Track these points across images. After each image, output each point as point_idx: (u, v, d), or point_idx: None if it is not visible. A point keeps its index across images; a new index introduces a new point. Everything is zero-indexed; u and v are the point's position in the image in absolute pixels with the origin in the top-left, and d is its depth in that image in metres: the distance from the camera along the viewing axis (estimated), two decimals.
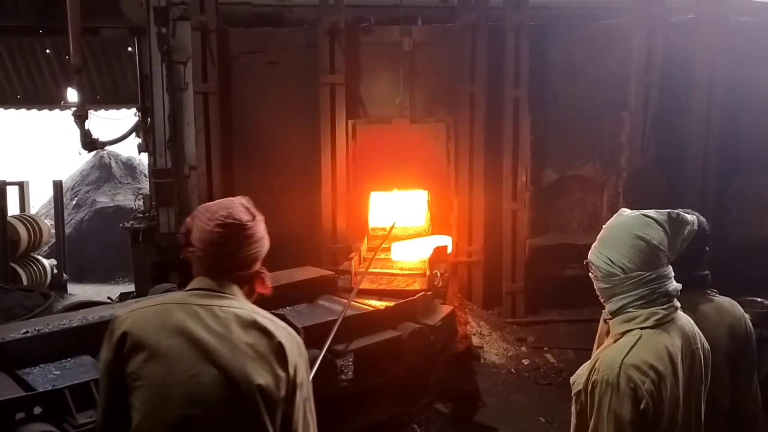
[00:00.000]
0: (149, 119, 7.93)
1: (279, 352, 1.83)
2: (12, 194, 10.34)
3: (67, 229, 12.50)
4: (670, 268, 2.02)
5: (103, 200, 14.62)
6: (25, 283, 8.98)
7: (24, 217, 10.12)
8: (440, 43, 7.31)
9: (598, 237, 2.12)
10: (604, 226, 2.12)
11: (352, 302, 3.88)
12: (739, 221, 7.47)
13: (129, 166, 15.81)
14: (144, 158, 12.67)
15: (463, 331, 6.46)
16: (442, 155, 7.27)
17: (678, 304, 2.03)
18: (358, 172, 7.26)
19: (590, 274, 2.14)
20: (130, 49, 8.85)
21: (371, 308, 4.01)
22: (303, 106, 7.30)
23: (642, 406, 1.85)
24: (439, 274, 4.56)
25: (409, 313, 4.07)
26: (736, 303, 2.49)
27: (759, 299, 4.49)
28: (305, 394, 1.92)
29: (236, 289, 1.93)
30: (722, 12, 7.25)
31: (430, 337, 4.00)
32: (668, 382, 1.91)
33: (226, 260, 1.91)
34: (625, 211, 2.10)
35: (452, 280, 6.39)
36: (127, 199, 14.29)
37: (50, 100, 10.60)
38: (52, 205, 11.20)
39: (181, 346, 1.78)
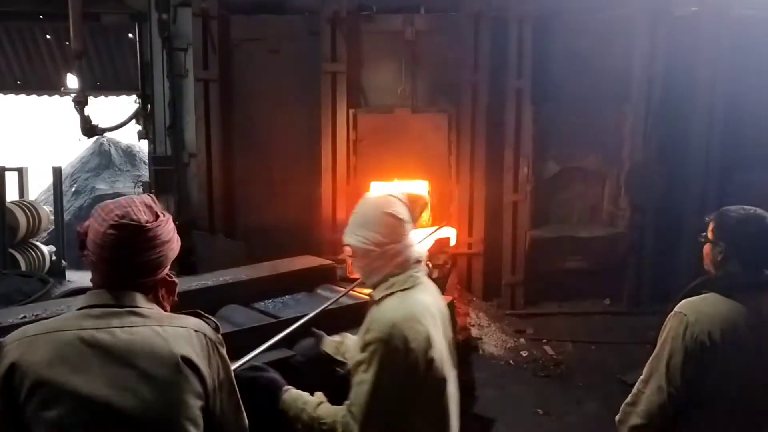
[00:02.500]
0: (149, 106, 7.88)
1: (188, 364, 1.67)
2: (11, 180, 10.29)
3: (67, 216, 12.47)
4: (412, 236, 2.26)
5: (103, 187, 14.60)
6: (23, 269, 8.96)
7: (23, 203, 10.08)
8: (443, 33, 7.27)
9: (350, 221, 2.29)
10: (353, 211, 2.31)
11: (350, 292, 3.86)
12: None
13: (129, 154, 15.78)
14: (144, 145, 12.61)
15: (462, 322, 6.45)
16: (443, 145, 7.23)
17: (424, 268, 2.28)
18: (359, 162, 7.22)
19: (348, 257, 2.41)
20: (131, 35, 8.79)
21: (368, 298, 3.99)
22: (304, 94, 7.26)
23: (411, 359, 2.03)
24: (431, 265, 4.53)
25: None
26: None
27: None
28: (225, 392, 1.79)
29: (139, 299, 1.71)
30: (726, 5, 7.20)
31: None
32: (432, 332, 2.11)
33: (123, 267, 1.69)
34: (371, 195, 2.38)
35: (452, 271, 6.37)
36: (126, 186, 14.27)
37: (50, 85, 10.52)
38: (52, 191, 11.17)
39: (76, 396, 1.57)
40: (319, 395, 2.22)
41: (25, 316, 3.21)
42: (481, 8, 7.08)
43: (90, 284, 1.78)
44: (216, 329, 1.85)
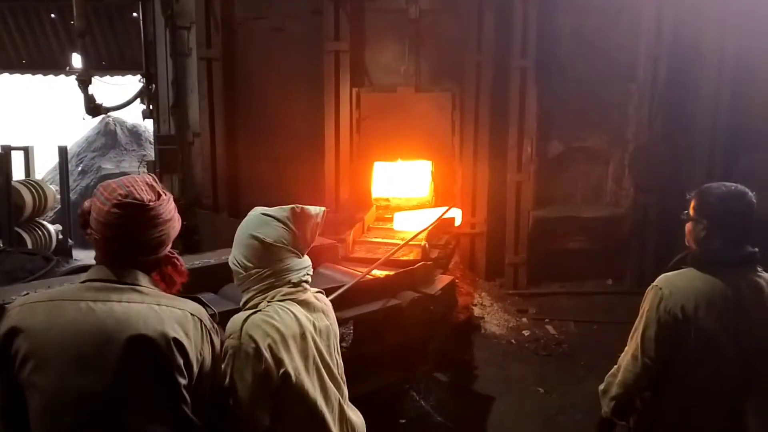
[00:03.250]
0: (153, 85, 7.89)
1: (177, 346, 1.69)
2: (17, 159, 10.35)
3: (73, 195, 12.53)
4: (298, 260, 2.15)
5: (109, 166, 14.64)
6: (30, 247, 9.03)
7: (29, 182, 10.13)
8: (447, 11, 7.20)
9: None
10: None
11: (351, 270, 3.89)
12: None
13: (134, 133, 15.79)
14: (149, 125, 12.63)
15: (464, 302, 6.48)
16: (447, 125, 7.21)
17: (307, 287, 2.17)
18: (362, 141, 7.22)
19: None
20: (134, 14, 8.76)
21: (371, 276, 4.01)
22: (307, 73, 7.24)
23: (263, 364, 1.94)
24: (427, 245, 4.55)
25: (409, 282, 4.07)
26: None
27: None
28: (210, 379, 1.83)
29: (141, 277, 1.76)
30: None
31: (430, 306, 4.00)
32: (289, 341, 2.01)
33: (126, 245, 1.73)
34: (255, 210, 2.21)
35: (455, 251, 6.38)
36: (132, 165, 14.32)
37: (55, 65, 10.53)
38: (58, 170, 11.22)
39: (69, 359, 1.63)
40: None
41: (27, 293, 3.25)
42: None
43: (94, 263, 1.81)
44: (213, 317, 1.90)
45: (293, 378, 1.99)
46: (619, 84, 7.29)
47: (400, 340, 3.87)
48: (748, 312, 2.40)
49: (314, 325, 2.13)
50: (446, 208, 5.27)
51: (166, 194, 1.82)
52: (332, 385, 2.15)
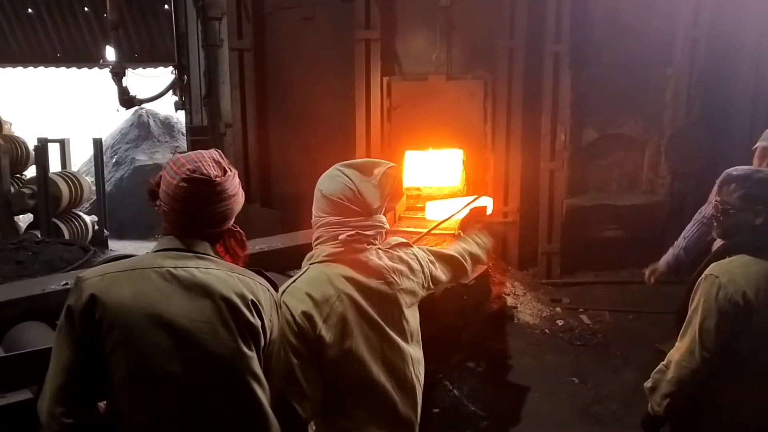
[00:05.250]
0: (185, 77, 7.95)
1: (255, 308, 1.80)
2: (53, 151, 10.51)
3: (108, 187, 12.72)
4: (358, 218, 2.15)
5: (142, 158, 14.81)
6: (67, 238, 9.18)
7: (65, 173, 10.29)
8: None
9: None
10: None
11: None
12: None
13: (167, 125, 15.94)
14: (181, 116, 12.75)
15: (497, 292, 6.43)
16: (478, 113, 7.13)
17: (359, 247, 2.15)
18: (393, 130, 7.18)
19: None
20: (166, 6, 8.84)
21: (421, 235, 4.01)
22: (338, 62, 7.22)
23: (296, 329, 2.01)
24: (461, 234, 4.51)
25: None
26: None
27: None
28: (276, 347, 1.92)
29: (208, 247, 1.85)
30: None
31: (464, 295, 3.97)
32: (333, 302, 2.06)
33: (194, 217, 1.81)
34: (339, 164, 2.27)
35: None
36: (165, 157, 14.44)
37: (89, 58, 10.69)
38: (93, 162, 11.38)
39: (159, 331, 1.70)
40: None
41: (66, 283, 3.29)
42: None
43: (130, 253, 1.86)
44: (275, 289, 2.00)
45: (328, 340, 2.03)
46: (656, 68, 7.12)
47: (433, 329, 3.84)
48: None
49: (360, 286, 2.13)
50: (475, 196, 5.22)
51: (231, 170, 1.89)
52: (386, 347, 2.15)
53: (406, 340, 2.22)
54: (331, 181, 2.20)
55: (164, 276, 1.74)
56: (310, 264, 2.16)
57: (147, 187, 1.88)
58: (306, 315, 2.02)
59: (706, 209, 3.80)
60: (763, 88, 7.03)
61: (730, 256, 2.48)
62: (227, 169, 1.87)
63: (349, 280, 2.12)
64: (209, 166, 1.81)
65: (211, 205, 1.81)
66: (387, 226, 2.28)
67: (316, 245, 2.20)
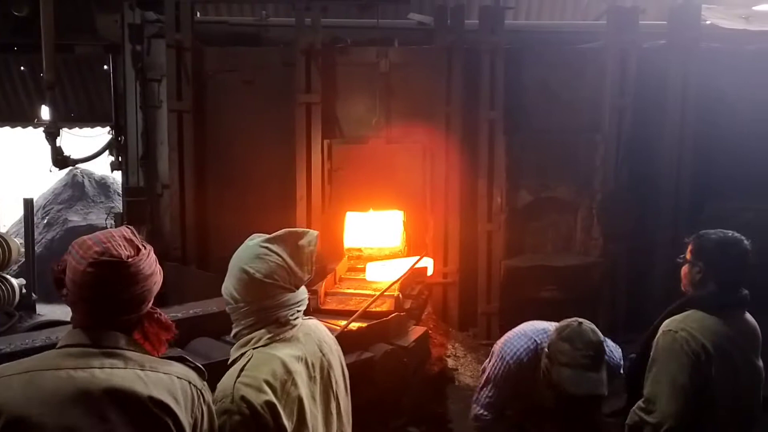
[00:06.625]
0: (122, 137, 7.84)
1: (165, 409, 1.62)
2: None
3: (38, 248, 12.25)
4: (291, 294, 2.07)
5: (76, 219, 14.40)
6: None
7: None
8: (417, 65, 7.34)
9: None
10: None
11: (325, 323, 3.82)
12: None
13: (102, 185, 15.61)
14: (118, 177, 12.51)
15: (437, 353, 6.41)
16: (418, 176, 7.25)
17: (296, 323, 2.08)
18: (334, 192, 7.22)
19: None
20: (105, 66, 8.77)
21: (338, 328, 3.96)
22: (279, 125, 7.27)
23: (263, 422, 1.88)
24: (401, 296, 4.51)
25: (382, 334, 4.02)
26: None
27: None
28: None
29: (120, 339, 1.66)
30: (693, 38, 7.38)
31: (404, 358, 3.95)
32: (288, 387, 1.96)
33: (104, 305, 1.63)
34: (253, 239, 2.16)
35: (428, 301, 6.35)
36: (99, 218, 14.08)
37: (24, 117, 10.42)
38: (23, 223, 10.99)
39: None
40: None
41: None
42: (453, 41, 7.18)
43: (58, 318, 1.75)
44: (201, 375, 1.81)
45: (289, 428, 1.93)
46: (586, 135, 7.43)
47: (373, 394, 3.79)
48: (743, 350, 2.63)
49: (307, 363, 2.06)
50: (418, 257, 5.26)
51: (145, 247, 1.73)
52: (335, 421, 2.13)
53: (343, 411, 2.20)
54: (260, 261, 2.05)
55: (62, 379, 1.56)
56: (254, 349, 2.01)
57: (52, 274, 1.70)
58: (269, 405, 1.89)
59: None
60: (687, 153, 7.44)
61: (686, 311, 2.69)
62: (141, 246, 1.71)
63: (299, 359, 2.04)
64: (119, 246, 1.65)
65: (125, 289, 1.64)
66: (306, 294, 2.21)
67: (249, 331, 2.04)
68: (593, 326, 2.90)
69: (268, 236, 2.13)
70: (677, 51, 7.41)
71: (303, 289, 2.16)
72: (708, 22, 7.99)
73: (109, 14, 7.78)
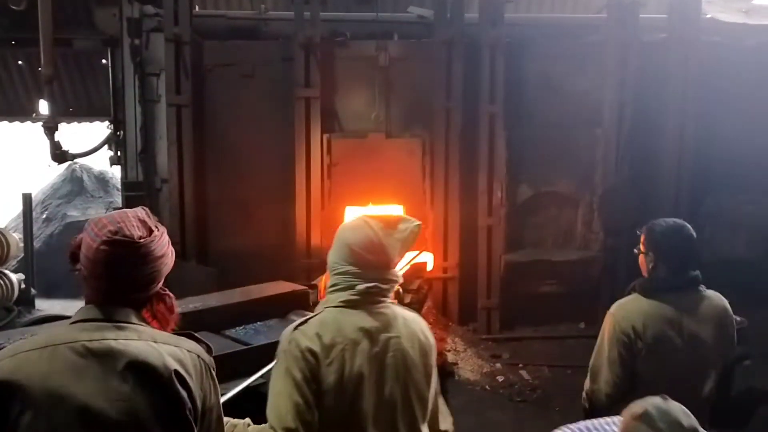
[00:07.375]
0: (121, 132, 7.82)
1: (179, 378, 1.67)
2: None
3: (37, 243, 12.24)
4: (376, 270, 2.19)
5: (74, 214, 14.36)
6: None
7: None
8: (416, 59, 7.32)
9: None
10: None
11: None
12: (711, 240, 7.52)
13: (101, 180, 15.57)
14: (117, 171, 12.49)
15: (437, 348, 6.39)
16: (417, 170, 7.25)
17: (376, 300, 2.19)
18: (333, 186, 7.20)
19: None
20: (103, 61, 8.74)
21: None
22: (277, 119, 7.24)
23: (306, 365, 2.04)
24: (401, 291, 4.50)
25: None
26: (720, 296, 2.98)
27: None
28: (215, 415, 1.80)
29: (131, 315, 1.71)
30: (694, 32, 7.36)
31: None
32: (341, 350, 2.07)
33: (116, 283, 1.68)
34: (364, 214, 2.40)
35: (428, 295, 6.34)
36: (99, 212, 14.06)
37: (22, 112, 10.41)
38: (21, 218, 10.97)
39: (72, 414, 1.57)
40: (246, 420, 2.21)
41: (21, 339, 3.12)
42: (453, 35, 7.14)
43: (57, 313, 1.75)
44: (209, 351, 1.86)
45: (325, 385, 2.04)
46: (587, 129, 7.42)
47: None
48: (688, 329, 2.84)
49: (371, 338, 2.13)
50: (417, 252, 5.24)
51: (158, 229, 1.77)
52: (384, 406, 2.13)
53: (410, 403, 2.20)
54: (355, 231, 2.22)
55: (78, 352, 1.61)
56: (325, 308, 2.17)
57: (68, 249, 1.77)
58: (311, 352, 2.04)
59: None
60: (687, 148, 7.43)
61: (630, 295, 2.97)
62: (153, 228, 1.75)
63: (362, 330, 2.12)
64: (133, 226, 1.69)
65: (136, 268, 1.69)
66: (401, 280, 2.32)
67: (330, 292, 2.20)
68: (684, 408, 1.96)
69: (373, 213, 2.37)
70: (677, 45, 7.39)
71: (394, 271, 2.27)
72: (708, 16, 7.97)
73: (107, 8, 7.75)
